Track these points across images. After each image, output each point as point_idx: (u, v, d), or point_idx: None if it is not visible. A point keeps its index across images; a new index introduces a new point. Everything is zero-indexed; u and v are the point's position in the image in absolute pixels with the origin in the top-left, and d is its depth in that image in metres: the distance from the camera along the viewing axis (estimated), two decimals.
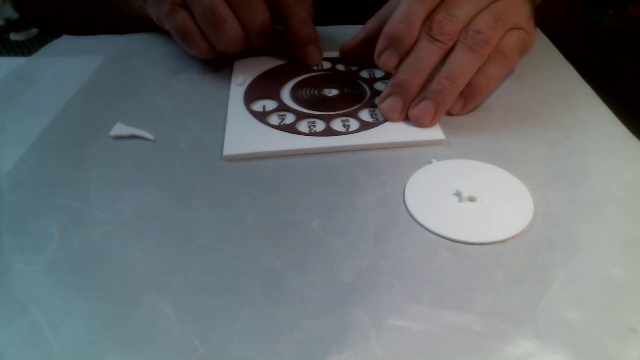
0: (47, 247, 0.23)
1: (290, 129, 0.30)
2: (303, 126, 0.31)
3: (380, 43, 0.30)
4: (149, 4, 0.35)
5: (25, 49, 0.44)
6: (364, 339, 0.19)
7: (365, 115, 0.31)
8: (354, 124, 0.31)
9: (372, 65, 0.37)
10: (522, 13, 0.32)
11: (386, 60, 0.30)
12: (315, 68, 0.37)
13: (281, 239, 0.23)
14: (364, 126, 0.30)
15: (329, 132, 0.30)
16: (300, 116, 0.31)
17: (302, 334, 0.19)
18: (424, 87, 0.30)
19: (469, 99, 0.31)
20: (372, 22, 0.36)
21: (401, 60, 0.30)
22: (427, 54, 0.29)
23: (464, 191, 0.25)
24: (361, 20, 0.41)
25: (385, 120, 0.31)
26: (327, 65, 0.38)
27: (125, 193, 0.26)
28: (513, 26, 0.31)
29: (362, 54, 0.37)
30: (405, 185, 0.26)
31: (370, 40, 0.36)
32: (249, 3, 0.33)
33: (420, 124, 0.30)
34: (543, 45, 0.40)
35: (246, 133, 0.30)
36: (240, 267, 0.22)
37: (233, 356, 0.18)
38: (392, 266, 0.22)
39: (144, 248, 0.23)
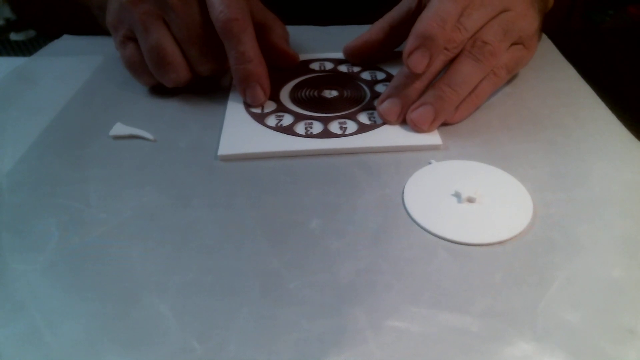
0: (47, 247, 0.23)
1: (287, 130, 0.30)
2: (300, 128, 0.30)
3: (411, 42, 0.28)
4: (109, 29, 0.34)
5: (25, 49, 0.45)
6: (361, 340, 0.19)
7: (363, 117, 0.31)
8: (351, 126, 0.30)
9: (375, 67, 0.37)
10: (529, 27, 0.31)
11: (417, 60, 0.28)
12: (316, 69, 0.37)
13: (280, 240, 0.23)
14: (361, 129, 0.30)
15: (325, 134, 0.30)
16: (298, 117, 0.31)
17: (300, 334, 0.19)
18: (425, 92, 0.30)
19: (462, 109, 0.30)
20: (379, 24, 0.35)
21: (432, 61, 0.28)
22: None
23: (463, 192, 0.25)
24: (363, 21, 0.41)
25: (383, 124, 0.30)
26: (329, 66, 0.38)
27: (124, 193, 0.26)
28: (516, 40, 0.31)
29: (365, 56, 0.37)
30: (405, 186, 0.26)
31: (375, 43, 0.35)
32: (200, 49, 0.31)
33: (418, 129, 0.29)
34: (543, 46, 0.40)
35: (242, 133, 0.30)
36: (239, 267, 0.22)
37: (231, 357, 0.18)
38: (391, 267, 0.22)
39: (143, 248, 0.23)
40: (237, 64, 0.31)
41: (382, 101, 0.30)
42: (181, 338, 0.19)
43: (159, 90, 0.35)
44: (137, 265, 0.22)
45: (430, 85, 0.30)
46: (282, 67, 0.36)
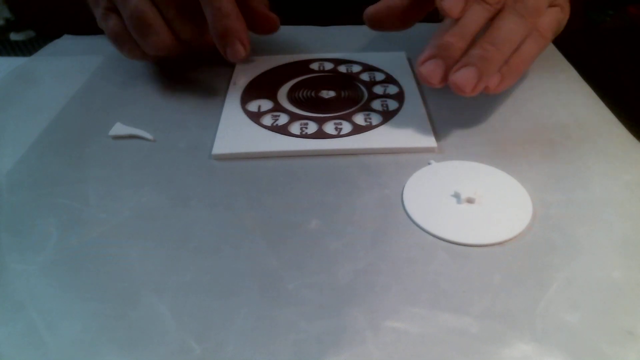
0: (45, 247, 0.23)
1: (282, 130, 0.30)
2: (295, 128, 0.30)
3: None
4: (90, 7, 0.34)
5: (25, 49, 0.45)
6: (360, 341, 0.19)
7: (359, 118, 0.31)
8: (346, 127, 0.30)
9: (374, 67, 0.37)
10: None
11: (452, 1, 0.27)
12: (316, 69, 0.37)
13: (279, 240, 0.23)
14: (356, 130, 0.30)
15: (320, 134, 0.30)
16: (293, 117, 0.31)
17: (298, 335, 0.19)
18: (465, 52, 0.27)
19: (506, 76, 0.28)
20: None
21: (467, 6, 0.27)
22: (473, 16, 0.27)
23: (463, 193, 0.25)
24: (360, 21, 0.41)
25: (378, 125, 0.30)
26: (328, 66, 0.38)
27: (123, 193, 0.26)
28: (552, 2, 0.29)
29: (386, 22, 0.33)
30: (404, 187, 0.26)
31: (398, 9, 0.33)
32: (178, 10, 0.31)
33: (461, 92, 0.26)
34: None
35: (237, 133, 0.30)
36: (238, 268, 0.22)
37: (230, 357, 0.18)
38: (390, 268, 0.22)
39: (142, 248, 0.23)
40: (214, 21, 0.30)
41: (423, 62, 0.27)
42: (180, 338, 0.19)
43: (159, 90, 0.35)
44: (135, 265, 0.22)
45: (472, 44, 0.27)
46: (263, 33, 0.35)
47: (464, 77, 0.26)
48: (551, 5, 0.30)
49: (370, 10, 0.33)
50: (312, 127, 0.30)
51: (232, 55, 0.31)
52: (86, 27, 0.43)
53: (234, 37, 0.31)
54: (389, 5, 0.32)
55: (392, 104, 0.33)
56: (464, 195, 0.24)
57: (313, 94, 0.34)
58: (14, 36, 0.52)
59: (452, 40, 0.27)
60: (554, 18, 0.30)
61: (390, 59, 0.38)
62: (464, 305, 0.20)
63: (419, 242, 0.23)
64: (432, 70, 0.27)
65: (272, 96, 0.34)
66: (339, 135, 0.29)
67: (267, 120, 0.31)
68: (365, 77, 0.36)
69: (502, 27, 0.27)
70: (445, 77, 0.27)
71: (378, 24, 0.33)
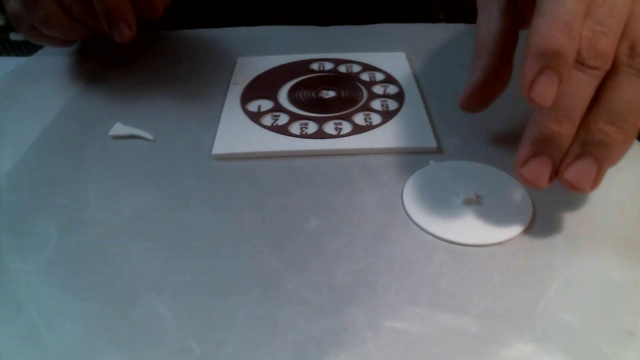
0: (45, 246, 0.23)
1: (282, 130, 0.30)
2: (295, 128, 0.30)
3: (531, 65, 0.20)
4: None
5: (25, 49, 0.45)
6: (360, 341, 0.19)
7: (359, 118, 0.31)
8: (346, 127, 0.30)
9: (374, 67, 0.37)
10: None
11: (544, 89, 0.20)
12: (316, 69, 0.37)
13: (279, 240, 0.23)
14: (356, 130, 0.30)
15: (320, 134, 0.30)
16: (293, 117, 0.31)
17: (298, 335, 0.19)
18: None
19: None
20: (480, 61, 0.26)
21: (562, 85, 0.20)
22: (577, 88, 0.20)
23: (463, 193, 0.25)
24: (363, 21, 0.41)
25: (378, 125, 0.30)
26: (329, 66, 0.38)
27: (123, 193, 0.26)
28: None
29: (488, 98, 0.28)
30: (404, 187, 0.26)
31: (490, 80, 0.27)
32: None
33: (577, 190, 0.21)
34: None
35: (237, 133, 0.30)
36: (238, 267, 0.22)
37: (229, 357, 0.18)
38: (390, 268, 0.22)
39: (142, 248, 0.23)
40: (97, 1, 0.30)
41: (525, 162, 0.21)
42: (180, 338, 0.19)
43: (159, 90, 0.35)
44: (135, 266, 0.22)
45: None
46: (146, 18, 0.34)
47: (581, 172, 0.21)
48: None
49: (465, 97, 0.27)
50: (312, 127, 0.30)
51: (118, 36, 0.31)
52: None
53: (118, 18, 0.31)
54: (478, 82, 0.26)
55: (392, 104, 0.33)
56: (464, 196, 0.24)
57: (313, 94, 0.34)
58: (14, 36, 0.52)
59: (557, 129, 0.21)
60: None
61: (390, 59, 0.38)
62: (464, 305, 0.20)
63: (418, 242, 0.23)
64: (538, 171, 0.21)
65: (272, 96, 0.34)
66: (339, 135, 0.29)
67: (267, 120, 0.31)
68: (365, 77, 0.36)
69: (621, 96, 0.20)
70: (554, 174, 0.22)
71: (477, 105, 0.28)
